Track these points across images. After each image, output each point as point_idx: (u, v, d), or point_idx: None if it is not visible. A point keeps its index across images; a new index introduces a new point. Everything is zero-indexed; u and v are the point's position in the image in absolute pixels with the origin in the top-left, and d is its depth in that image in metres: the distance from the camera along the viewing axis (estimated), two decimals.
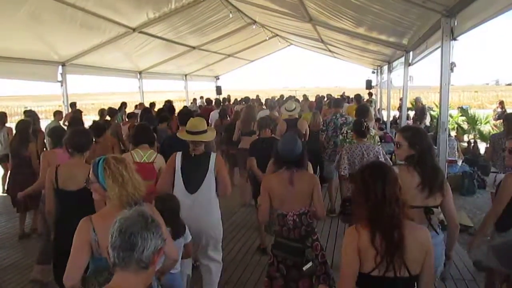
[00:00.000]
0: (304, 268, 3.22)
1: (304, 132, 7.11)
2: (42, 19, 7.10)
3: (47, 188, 3.74)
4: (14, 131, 6.76)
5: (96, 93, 59.49)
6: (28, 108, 12.49)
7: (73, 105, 11.51)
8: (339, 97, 15.50)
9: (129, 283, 1.71)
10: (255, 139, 5.90)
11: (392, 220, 2.10)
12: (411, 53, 8.50)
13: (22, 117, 8.11)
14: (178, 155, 3.88)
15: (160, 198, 3.49)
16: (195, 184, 3.78)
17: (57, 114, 10.05)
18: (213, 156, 3.85)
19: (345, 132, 6.23)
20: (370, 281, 2.14)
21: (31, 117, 8.14)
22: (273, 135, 5.90)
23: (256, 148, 5.46)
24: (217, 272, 4.13)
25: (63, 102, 10.31)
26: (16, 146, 6.08)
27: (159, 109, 9.05)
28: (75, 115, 8.67)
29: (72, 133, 3.97)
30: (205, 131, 3.92)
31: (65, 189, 3.59)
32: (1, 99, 55.92)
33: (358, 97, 11.74)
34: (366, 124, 5.41)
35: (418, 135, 3.02)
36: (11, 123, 8.45)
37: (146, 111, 9.40)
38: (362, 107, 7.07)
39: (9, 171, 6.60)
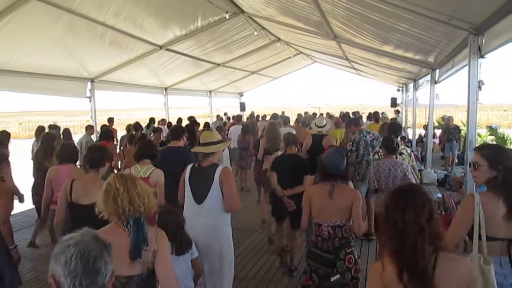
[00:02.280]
0: (331, 279, 3.43)
1: None
2: (73, 37, 7.35)
3: (59, 200, 3.83)
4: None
5: (122, 109, 60.83)
6: (57, 123, 12.89)
7: (110, 120, 12.43)
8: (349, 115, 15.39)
9: None
10: (280, 155, 5.88)
11: (415, 253, 1.85)
12: (437, 70, 8.41)
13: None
14: (188, 168, 3.94)
15: (164, 211, 3.53)
16: (202, 195, 3.75)
17: (89, 128, 10.28)
18: (219, 168, 3.78)
19: (380, 151, 6.14)
20: None
21: (55, 130, 8.51)
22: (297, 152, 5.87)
23: (279, 163, 5.45)
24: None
25: (91, 117, 10.54)
26: (40, 158, 6.19)
27: (186, 125, 9.16)
28: (106, 128, 8.85)
29: (88, 149, 4.18)
30: (213, 143, 3.88)
31: (78, 203, 3.67)
32: (34, 114, 57.84)
33: (376, 114, 11.64)
34: (397, 141, 5.42)
35: (500, 153, 2.67)
36: None
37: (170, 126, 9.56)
38: (394, 124, 7.00)
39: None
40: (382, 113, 17.62)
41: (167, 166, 4.57)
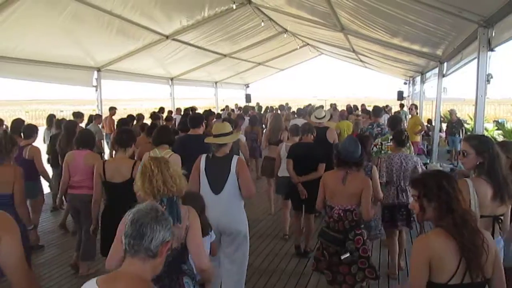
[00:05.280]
0: (341, 257, 3.78)
1: (332, 142, 6.94)
2: (80, 25, 7.36)
3: (94, 181, 4.34)
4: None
5: (128, 98, 60.95)
6: (62, 111, 13.02)
7: (112, 108, 12.49)
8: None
9: (136, 269, 1.80)
10: (296, 142, 5.97)
11: (465, 225, 2.11)
12: (445, 63, 8.32)
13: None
14: (203, 158, 4.06)
15: (187, 194, 3.58)
16: (219, 185, 3.91)
17: (97, 118, 10.26)
18: (234, 158, 3.96)
19: (379, 143, 6.28)
20: None
21: (79, 118, 8.75)
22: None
23: (295, 151, 5.66)
24: (238, 275, 4.08)
25: (97, 106, 10.58)
26: (64, 145, 6.28)
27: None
28: (124, 119, 8.88)
29: (118, 131, 4.87)
30: (226, 134, 4.06)
31: (112, 181, 4.20)
32: (40, 102, 58.12)
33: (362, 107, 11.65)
34: (407, 134, 5.50)
35: (486, 142, 2.96)
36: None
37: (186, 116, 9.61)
38: (395, 117, 7.05)
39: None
40: (386, 106, 17.59)
41: (186, 153, 4.69)
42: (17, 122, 6.76)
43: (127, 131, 4.71)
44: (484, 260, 2.08)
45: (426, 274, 2.11)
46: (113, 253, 2.55)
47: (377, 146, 6.25)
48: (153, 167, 2.61)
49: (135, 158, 5.29)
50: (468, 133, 12.68)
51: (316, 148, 5.69)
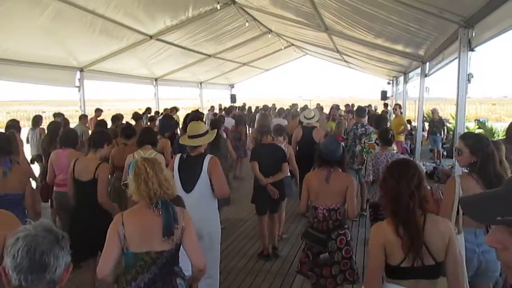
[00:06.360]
0: (320, 256, 3.77)
1: (318, 141, 6.95)
2: (62, 25, 7.26)
3: (68, 178, 4.44)
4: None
5: (112, 99, 60.23)
6: (45, 112, 12.89)
7: (98, 110, 12.32)
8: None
9: None
10: (256, 144, 6.02)
11: (408, 212, 2.26)
12: (427, 63, 8.43)
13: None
14: (177, 157, 4.11)
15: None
16: (190, 184, 3.92)
17: (83, 118, 10.15)
18: (207, 157, 3.99)
19: (363, 142, 6.46)
20: (401, 272, 2.30)
21: (61, 119, 8.66)
22: (274, 141, 5.97)
23: (257, 153, 5.67)
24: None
25: (80, 107, 10.43)
26: (47, 146, 6.24)
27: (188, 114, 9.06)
28: (100, 120, 8.87)
29: (92, 132, 5.18)
30: (201, 135, 4.09)
31: (79, 179, 4.30)
32: (22, 103, 57.03)
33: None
34: (392, 132, 5.61)
35: (480, 141, 3.04)
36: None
37: (165, 117, 9.57)
38: (380, 116, 7.15)
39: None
40: (369, 105, 17.74)
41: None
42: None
43: (99, 132, 4.84)
44: (421, 247, 2.24)
45: (382, 257, 2.31)
46: (103, 259, 2.51)
47: (362, 145, 6.37)
48: (148, 169, 2.58)
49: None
50: (450, 132, 12.88)
51: (277, 148, 5.72)
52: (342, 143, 4.22)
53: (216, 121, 7.42)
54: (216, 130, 5.00)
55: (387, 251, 2.29)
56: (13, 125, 6.87)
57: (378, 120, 6.83)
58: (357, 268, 3.95)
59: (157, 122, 10.13)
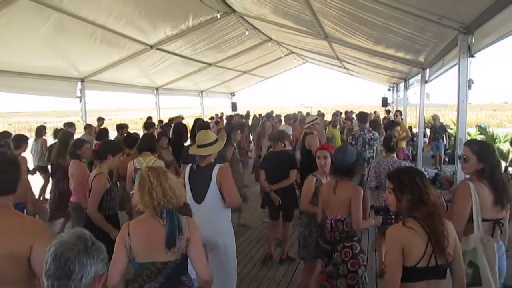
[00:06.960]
0: (327, 268, 3.75)
1: (309, 149, 6.55)
2: (63, 36, 7.26)
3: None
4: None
5: (113, 109, 60.43)
6: (46, 123, 12.92)
7: (100, 119, 12.43)
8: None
9: None
10: (267, 152, 6.01)
11: (433, 215, 2.37)
12: (427, 70, 8.45)
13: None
14: (187, 168, 4.08)
15: None
16: (201, 195, 3.87)
17: (88, 127, 10.17)
18: (216, 167, 3.90)
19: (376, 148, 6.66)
20: (415, 273, 2.35)
21: (72, 128, 8.85)
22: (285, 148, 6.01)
23: (266, 161, 5.73)
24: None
25: (82, 117, 10.42)
26: (54, 157, 6.27)
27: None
28: (103, 130, 8.90)
29: (100, 143, 5.07)
30: (209, 144, 3.99)
31: None
32: (23, 114, 57.24)
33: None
34: (395, 140, 5.67)
35: (487, 149, 3.05)
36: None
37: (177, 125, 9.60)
38: (376, 122, 7.18)
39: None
40: (375, 112, 17.77)
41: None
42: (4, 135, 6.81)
43: (102, 143, 4.88)
44: (446, 245, 2.35)
45: (401, 259, 2.35)
46: (111, 268, 2.48)
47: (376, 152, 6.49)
48: (152, 178, 2.56)
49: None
50: (452, 138, 12.85)
51: (286, 155, 5.74)
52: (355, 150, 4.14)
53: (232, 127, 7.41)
54: (227, 137, 5.03)
55: (405, 252, 2.35)
56: (7, 135, 6.85)
57: (388, 124, 6.90)
58: (367, 282, 3.75)
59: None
